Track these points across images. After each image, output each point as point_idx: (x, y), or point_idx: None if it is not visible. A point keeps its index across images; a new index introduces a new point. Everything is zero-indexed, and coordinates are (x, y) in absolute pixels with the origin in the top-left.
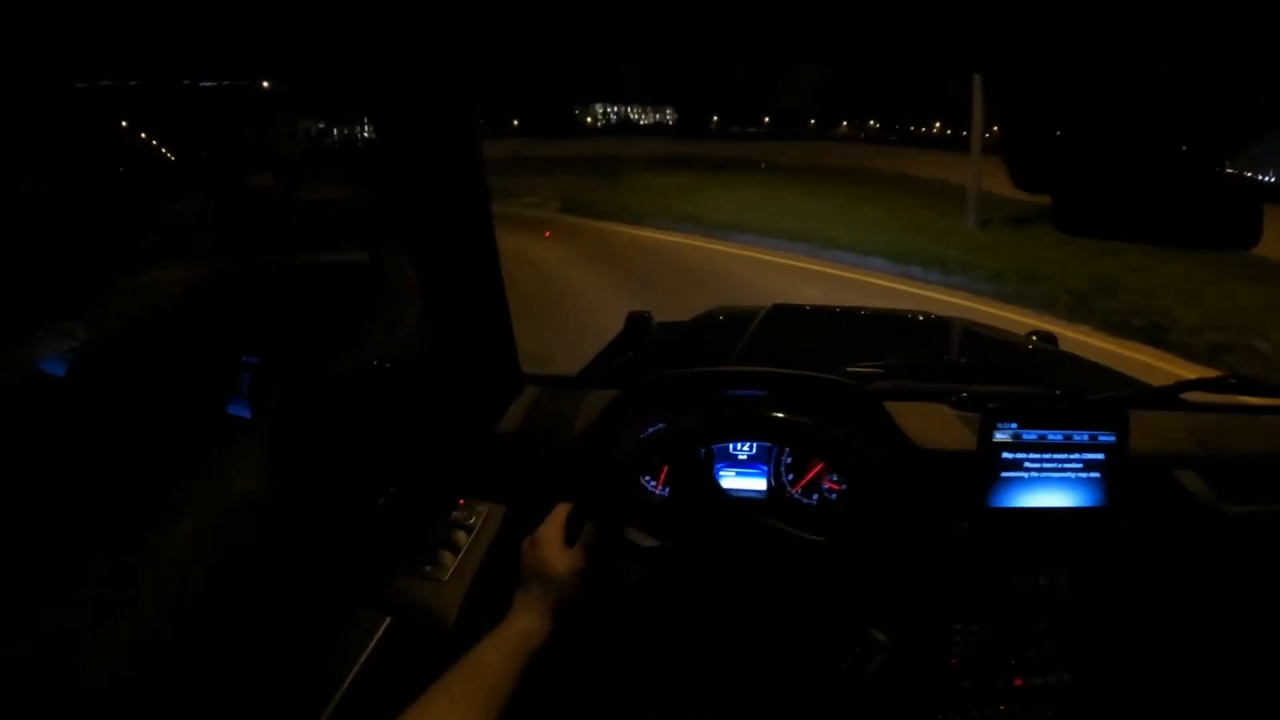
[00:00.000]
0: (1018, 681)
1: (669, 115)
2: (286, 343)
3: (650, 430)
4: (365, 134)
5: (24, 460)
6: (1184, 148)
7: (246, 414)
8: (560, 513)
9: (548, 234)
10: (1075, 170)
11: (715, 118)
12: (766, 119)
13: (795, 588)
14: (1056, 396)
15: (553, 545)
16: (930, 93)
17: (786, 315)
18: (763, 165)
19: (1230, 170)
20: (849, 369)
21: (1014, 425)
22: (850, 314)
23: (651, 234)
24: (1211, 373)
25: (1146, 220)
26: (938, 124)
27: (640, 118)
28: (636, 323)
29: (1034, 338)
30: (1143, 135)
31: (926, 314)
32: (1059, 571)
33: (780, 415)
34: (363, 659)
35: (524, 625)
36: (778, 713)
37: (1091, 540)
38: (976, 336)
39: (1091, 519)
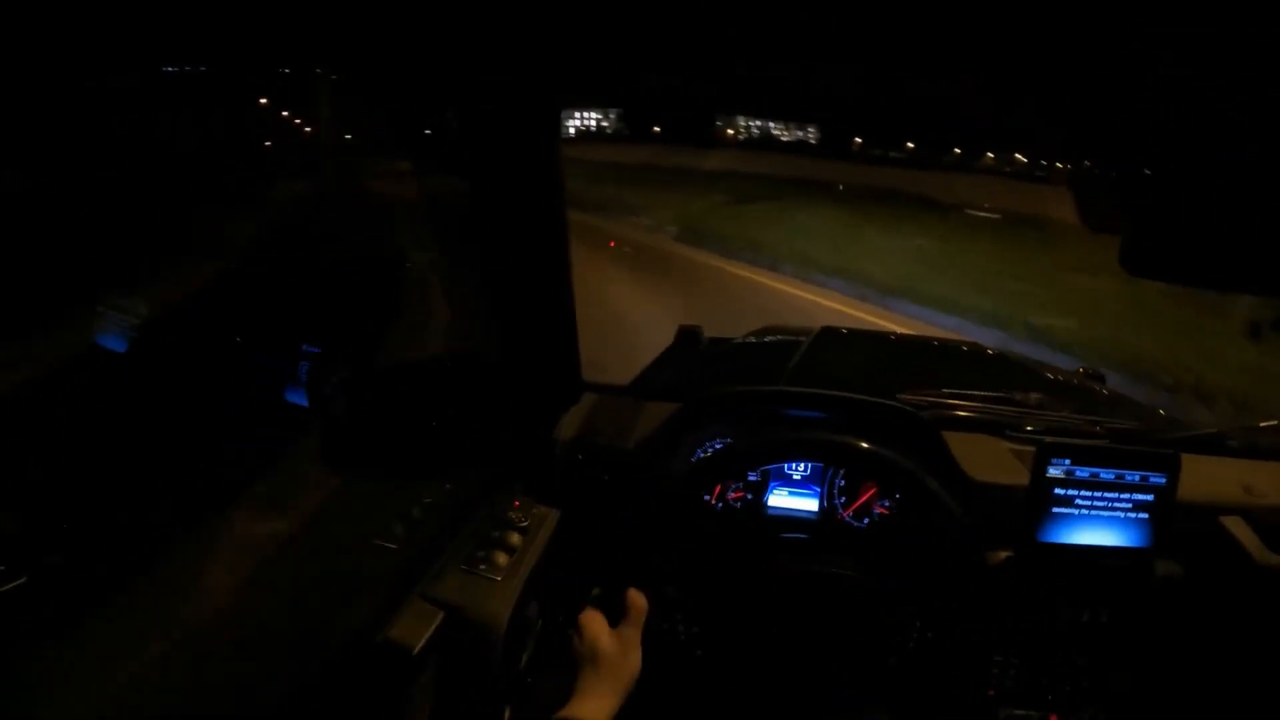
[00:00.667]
0: (1052, 717)
1: (811, 133)
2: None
3: (715, 445)
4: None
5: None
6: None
7: (304, 402)
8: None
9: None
10: (1151, 207)
11: (858, 139)
12: (910, 144)
13: (833, 613)
14: (1111, 435)
15: (597, 625)
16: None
17: (836, 338)
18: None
19: None
20: (904, 395)
21: (1067, 462)
22: (898, 340)
23: (785, 287)
24: None
25: (1224, 263)
26: (1086, 162)
27: (782, 133)
28: (688, 337)
29: (1081, 371)
30: (1222, 171)
31: (973, 343)
32: (1102, 609)
33: (845, 438)
34: (416, 651)
35: (586, 710)
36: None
37: (1137, 580)
38: (1026, 370)
39: (1138, 559)
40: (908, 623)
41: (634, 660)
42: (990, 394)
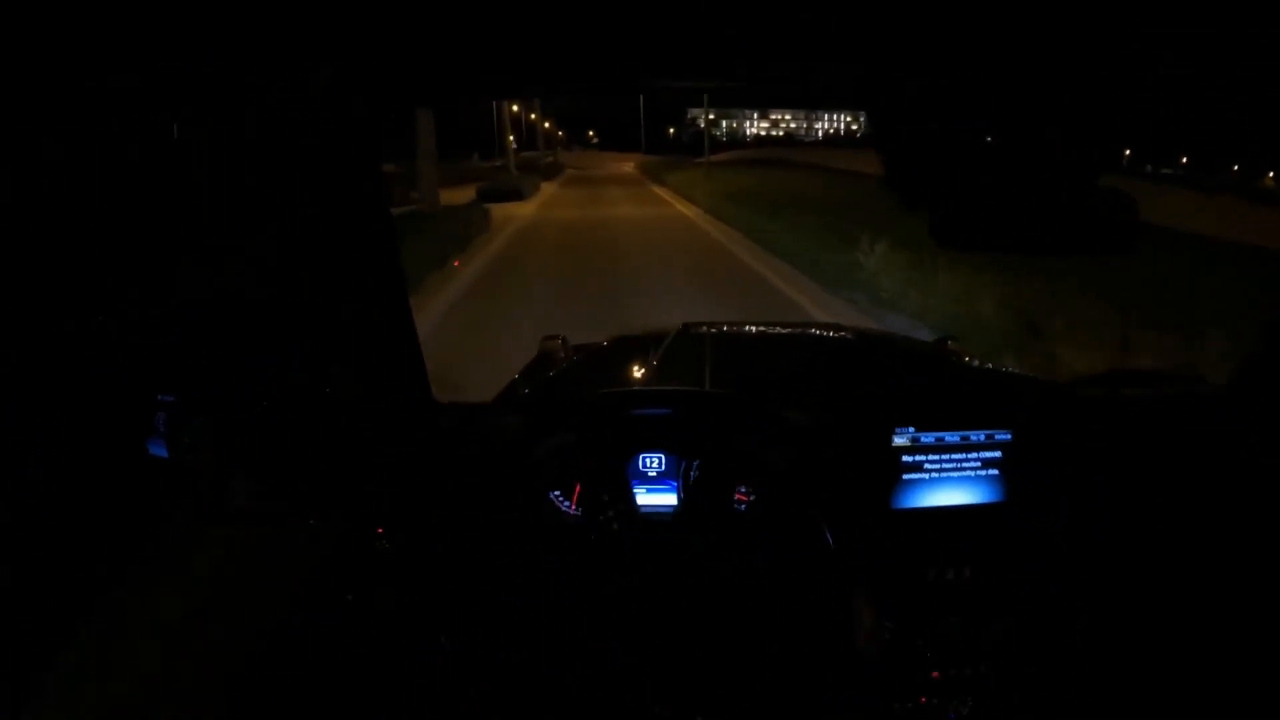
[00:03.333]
0: (934, 674)
1: None
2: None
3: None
4: None
5: None
6: (1062, 158)
7: (164, 453)
8: None
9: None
10: (955, 181)
11: (1126, 151)
12: (1185, 159)
13: (704, 598)
14: (959, 399)
15: None
16: None
17: (696, 334)
18: None
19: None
20: (752, 384)
21: (911, 430)
22: (757, 333)
23: None
24: None
25: (1024, 230)
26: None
27: None
28: (551, 348)
29: (949, 343)
30: (1022, 146)
31: (833, 326)
32: (965, 566)
33: (681, 431)
34: None
35: None
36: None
37: (994, 535)
38: (881, 346)
39: (993, 514)
40: (783, 601)
41: None
42: (840, 373)
